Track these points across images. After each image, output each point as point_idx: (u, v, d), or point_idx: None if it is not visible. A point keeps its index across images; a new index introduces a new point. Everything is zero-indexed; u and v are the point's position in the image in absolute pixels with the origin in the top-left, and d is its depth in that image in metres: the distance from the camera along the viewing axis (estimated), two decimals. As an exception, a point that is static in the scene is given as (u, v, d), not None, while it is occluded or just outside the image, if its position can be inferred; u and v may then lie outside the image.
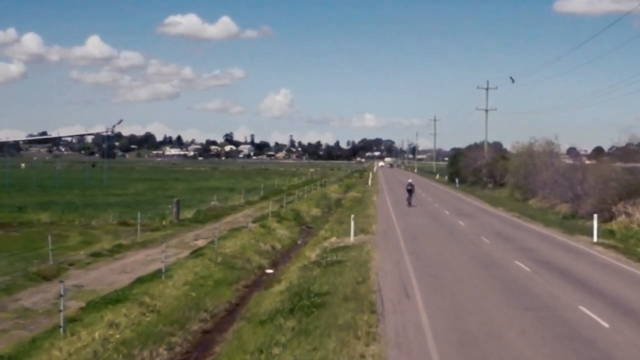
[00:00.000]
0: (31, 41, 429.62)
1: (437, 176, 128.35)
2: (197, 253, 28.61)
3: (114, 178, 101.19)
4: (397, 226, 38.86)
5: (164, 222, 42.90)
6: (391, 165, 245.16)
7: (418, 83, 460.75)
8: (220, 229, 40.21)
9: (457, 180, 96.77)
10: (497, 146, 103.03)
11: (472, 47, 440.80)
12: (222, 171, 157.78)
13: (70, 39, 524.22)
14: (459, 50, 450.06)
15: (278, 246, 33.70)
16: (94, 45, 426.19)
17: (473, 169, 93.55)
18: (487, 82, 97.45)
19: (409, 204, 54.57)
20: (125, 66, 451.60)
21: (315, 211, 55.02)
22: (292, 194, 67.75)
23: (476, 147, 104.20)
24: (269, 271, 28.27)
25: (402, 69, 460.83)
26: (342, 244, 30.49)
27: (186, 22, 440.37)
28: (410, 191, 56.39)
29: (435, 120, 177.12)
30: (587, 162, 63.44)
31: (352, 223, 32.52)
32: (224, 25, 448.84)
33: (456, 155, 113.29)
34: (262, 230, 36.19)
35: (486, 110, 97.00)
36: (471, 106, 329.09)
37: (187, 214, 47.36)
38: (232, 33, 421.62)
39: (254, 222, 39.62)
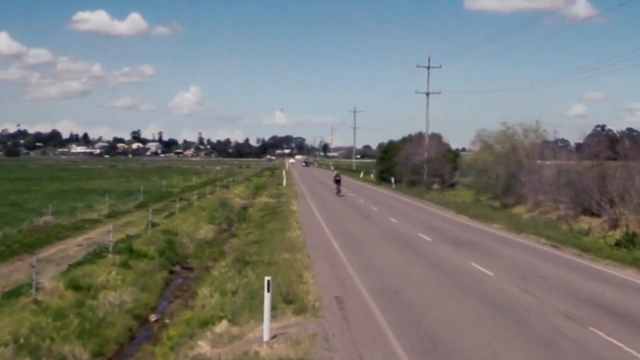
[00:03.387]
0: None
1: (362, 174, 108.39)
2: None
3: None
4: (359, 283, 18.78)
5: None
6: (306, 163, 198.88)
7: (329, 81, 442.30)
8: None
9: (393, 180, 77.59)
10: (437, 138, 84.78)
11: (385, 39, 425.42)
12: (119, 169, 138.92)
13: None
14: (371, 45, 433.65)
15: (82, 356, 13.31)
16: (2, 42, 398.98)
17: (413, 166, 75.65)
18: (429, 60, 78.32)
19: (338, 193, 57.75)
20: (34, 63, 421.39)
21: (206, 230, 35.32)
22: (184, 198, 49.13)
23: (411, 139, 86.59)
24: None
25: (314, 67, 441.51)
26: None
27: (95, 19, 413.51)
28: (338, 181, 60.26)
29: (355, 111, 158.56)
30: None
31: (267, 296, 12.77)
32: (134, 21, 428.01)
33: (388, 149, 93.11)
34: (68, 299, 15.91)
35: (427, 94, 78.47)
36: (390, 99, 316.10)
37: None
38: (142, 30, 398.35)
39: (65, 273, 19.38)
